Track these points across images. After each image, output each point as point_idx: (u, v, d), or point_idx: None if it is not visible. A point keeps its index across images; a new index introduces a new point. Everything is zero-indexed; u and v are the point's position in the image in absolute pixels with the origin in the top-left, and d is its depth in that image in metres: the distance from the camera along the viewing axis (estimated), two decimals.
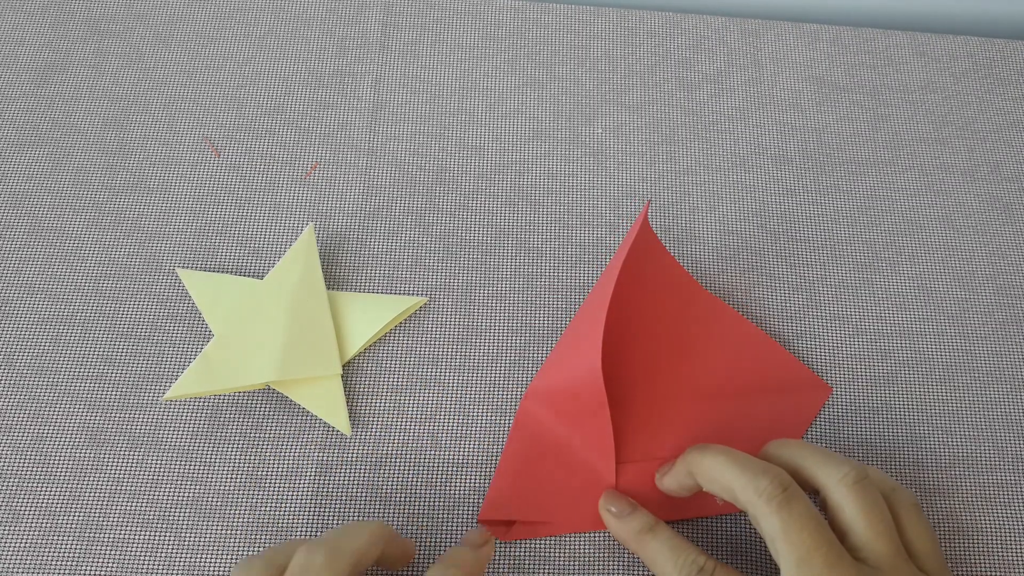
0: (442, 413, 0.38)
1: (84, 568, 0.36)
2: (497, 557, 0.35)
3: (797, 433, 0.37)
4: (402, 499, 0.37)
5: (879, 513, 0.30)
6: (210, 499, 0.37)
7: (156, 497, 0.37)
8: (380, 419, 0.38)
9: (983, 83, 0.45)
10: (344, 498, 0.37)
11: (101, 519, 0.37)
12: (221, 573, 0.36)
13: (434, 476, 0.37)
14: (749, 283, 0.41)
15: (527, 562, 0.35)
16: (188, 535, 0.36)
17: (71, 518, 0.37)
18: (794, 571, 0.28)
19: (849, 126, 0.44)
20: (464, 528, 0.36)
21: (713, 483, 0.32)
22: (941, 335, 0.40)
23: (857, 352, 0.39)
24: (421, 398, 0.39)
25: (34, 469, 0.38)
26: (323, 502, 0.37)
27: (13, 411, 0.39)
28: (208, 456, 0.38)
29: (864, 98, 0.45)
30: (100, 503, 0.37)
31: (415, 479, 0.37)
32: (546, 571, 0.35)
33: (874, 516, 0.30)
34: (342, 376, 0.39)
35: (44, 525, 0.37)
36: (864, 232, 0.42)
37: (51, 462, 0.38)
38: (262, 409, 0.39)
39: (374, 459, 0.38)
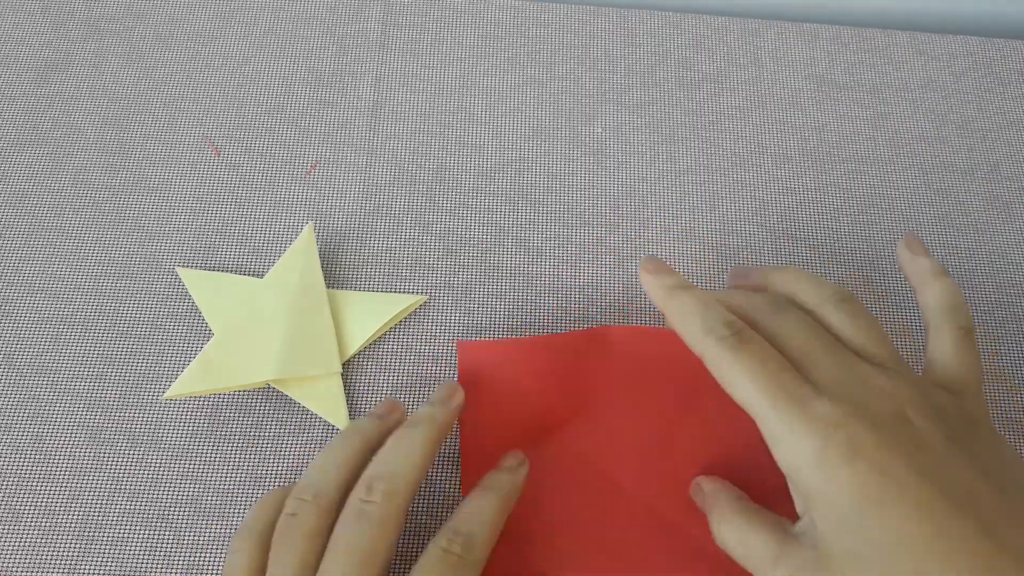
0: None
1: (84, 567, 0.36)
2: None
3: None
4: None
5: (866, 323, 0.30)
6: (210, 498, 0.37)
7: (156, 496, 0.37)
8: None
9: (983, 82, 0.45)
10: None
11: (101, 518, 0.37)
12: (219, 572, 0.36)
13: (434, 474, 0.37)
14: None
15: None
16: (188, 534, 0.36)
17: (71, 517, 0.37)
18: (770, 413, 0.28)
19: (849, 125, 0.44)
20: None
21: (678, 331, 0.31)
22: None
23: None
24: (421, 396, 0.39)
25: (34, 468, 0.38)
26: None
27: (13, 409, 0.39)
28: (208, 455, 0.38)
29: (864, 97, 0.45)
30: (100, 502, 0.37)
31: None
32: None
33: (859, 324, 0.30)
34: (342, 374, 0.39)
35: (44, 524, 0.37)
36: (864, 231, 0.42)
37: (51, 460, 0.38)
38: (262, 408, 0.39)
39: None
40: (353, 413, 0.38)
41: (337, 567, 0.29)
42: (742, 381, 0.28)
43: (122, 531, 0.37)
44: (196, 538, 0.36)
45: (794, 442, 0.27)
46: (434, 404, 0.34)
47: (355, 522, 0.29)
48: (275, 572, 0.29)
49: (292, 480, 0.37)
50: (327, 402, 0.38)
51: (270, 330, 0.39)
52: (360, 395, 0.39)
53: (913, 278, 0.33)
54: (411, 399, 0.39)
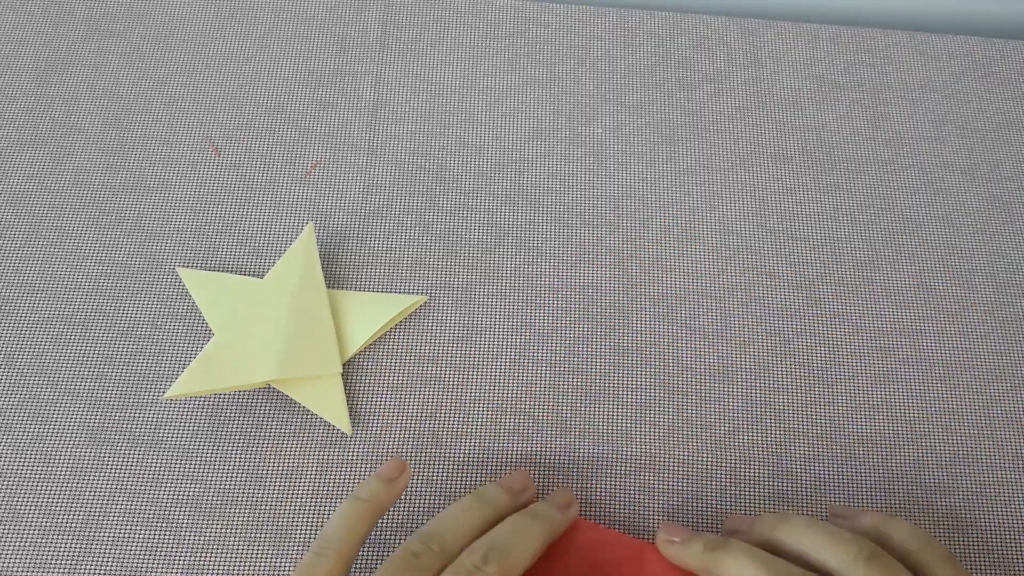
0: (443, 412, 0.38)
1: (84, 567, 0.36)
2: None
3: None
4: (403, 498, 0.37)
5: (900, 573, 0.29)
6: (210, 498, 0.37)
7: (156, 496, 0.37)
8: (381, 418, 0.38)
9: (982, 82, 0.45)
10: (344, 497, 0.37)
11: (101, 518, 0.37)
12: (221, 572, 0.36)
13: (435, 474, 0.37)
14: (749, 283, 0.41)
15: None
16: (188, 534, 0.36)
17: (71, 517, 0.37)
18: None
19: (849, 125, 0.44)
20: None
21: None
22: (941, 333, 0.40)
23: (857, 351, 0.39)
24: (422, 396, 0.39)
25: (34, 467, 0.38)
26: (323, 501, 0.37)
27: (13, 409, 0.39)
28: (208, 455, 0.38)
29: (864, 97, 0.45)
30: (100, 502, 0.37)
31: (416, 477, 0.37)
32: None
33: None
34: (342, 375, 0.39)
35: (44, 524, 0.37)
36: (864, 231, 0.42)
37: (51, 460, 0.38)
38: (262, 408, 0.39)
39: (375, 458, 0.38)
40: (353, 414, 0.38)
41: None
42: None
43: (122, 531, 0.37)
44: (196, 538, 0.36)
45: None
46: (552, 506, 0.34)
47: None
48: None
49: (293, 480, 0.37)
50: (327, 403, 0.38)
51: (270, 330, 0.39)
52: (360, 396, 0.39)
53: (869, 537, 0.32)
54: (412, 399, 0.39)
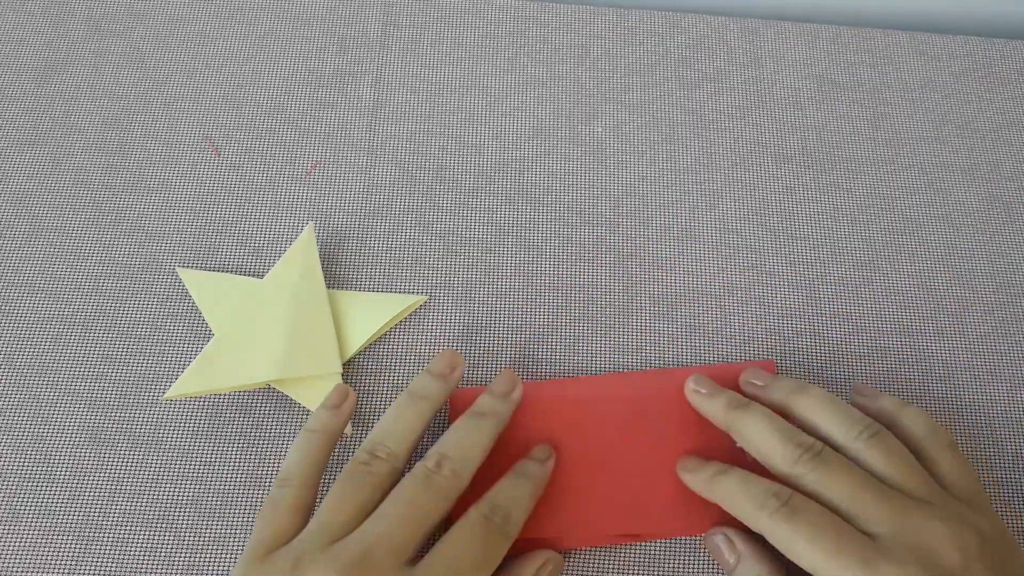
0: (443, 412, 0.38)
1: (84, 567, 0.36)
2: None
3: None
4: None
5: (899, 458, 0.32)
6: (210, 499, 0.37)
7: (156, 496, 0.37)
8: (380, 418, 0.38)
9: (982, 82, 0.45)
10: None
11: (101, 518, 0.37)
12: (221, 573, 0.36)
13: None
14: (749, 282, 0.41)
15: None
16: (188, 535, 0.36)
17: (71, 517, 0.37)
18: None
19: (849, 125, 0.44)
20: None
21: (753, 446, 0.33)
22: (941, 333, 0.40)
23: (857, 350, 0.39)
24: None
25: (34, 468, 0.38)
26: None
27: (13, 409, 0.39)
28: (208, 455, 0.38)
29: (864, 97, 0.45)
30: (100, 502, 0.37)
31: None
32: None
33: (893, 461, 0.32)
34: (342, 375, 0.39)
35: (44, 524, 0.37)
36: (864, 230, 0.42)
37: (51, 461, 0.38)
38: (262, 408, 0.39)
39: None
40: (356, 412, 0.38)
41: (395, 512, 0.31)
42: (805, 550, 0.30)
43: (122, 532, 0.37)
44: (196, 539, 0.36)
45: None
46: (496, 396, 0.35)
47: (421, 485, 0.32)
48: (332, 507, 0.31)
49: None
50: None
51: (270, 330, 0.39)
52: (361, 395, 0.39)
53: (883, 418, 0.35)
54: None
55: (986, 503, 0.32)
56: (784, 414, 0.34)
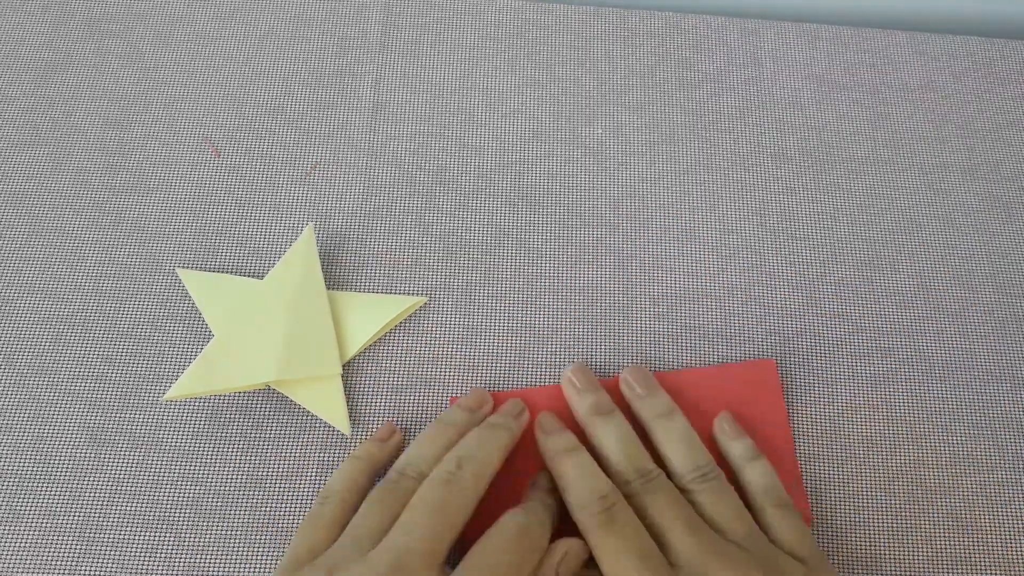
0: (439, 413, 0.38)
1: (84, 568, 0.36)
2: None
3: (780, 415, 0.38)
4: None
5: (726, 504, 0.34)
6: (210, 500, 0.37)
7: (156, 497, 0.37)
8: (380, 419, 0.38)
9: (983, 82, 0.45)
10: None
11: (101, 519, 0.37)
12: (221, 574, 0.36)
13: None
14: (749, 282, 0.41)
15: None
16: (188, 535, 0.36)
17: (71, 518, 0.37)
18: None
19: (849, 125, 0.44)
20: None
21: (599, 453, 0.35)
22: (941, 333, 0.40)
23: (857, 350, 0.39)
24: (421, 397, 0.39)
25: (34, 469, 0.38)
26: None
27: (13, 410, 0.39)
28: (208, 456, 0.38)
29: (864, 97, 0.45)
30: (100, 503, 0.37)
31: None
32: None
33: (721, 506, 0.33)
34: (342, 376, 0.39)
35: (44, 525, 0.37)
36: (864, 231, 0.42)
37: (51, 462, 0.38)
38: (262, 410, 0.39)
39: None
40: (353, 415, 0.38)
41: (423, 517, 0.31)
42: (608, 560, 0.31)
43: (123, 533, 0.37)
44: (197, 540, 0.36)
45: None
46: (507, 416, 0.36)
47: (443, 487, 0.32)
48: (359, 523, 0.32)
49: (293, 482, 0.37)
50: (327, 404, 0.38)
51: (270, 331, 0.39)
52: (360, 396, 0.39)
53: (731, 460, 0.36)
54: (412, 400, 0.39)
55: (820, 564, 0.33)
56: (645, 429, 0.36)
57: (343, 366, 0.39)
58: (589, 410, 0.36)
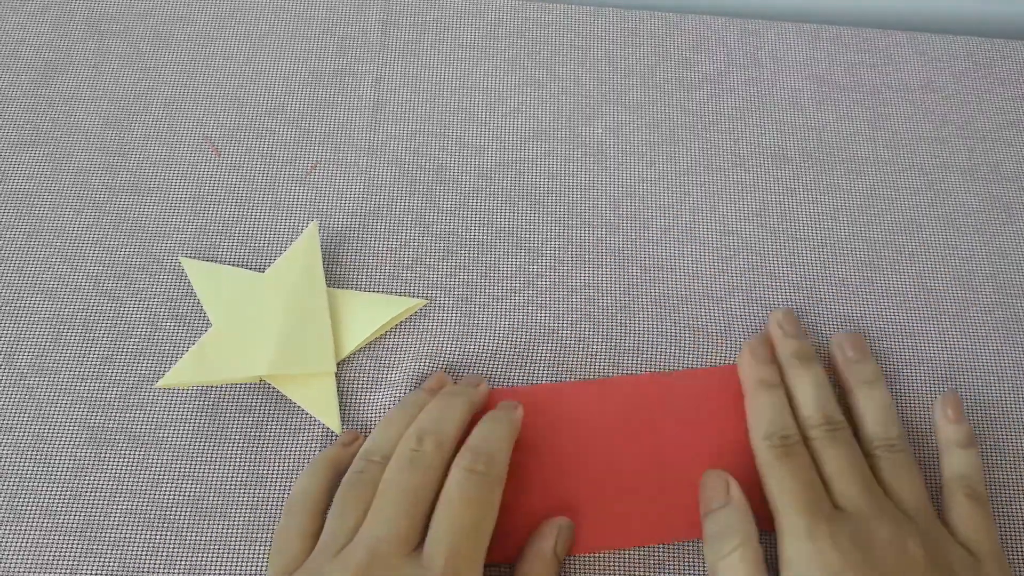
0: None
1: (85, 567, 0.36)
2: None
3: None
4: None
5: (908, 479, 0.34)
6: (211, 498, 0.37)
7: (158, 496, 0.37)
8: (376, 418, 0.38)
9: (983, 83, 0.45)
10: None
11: (102, 518, 0.37)
12: (223, 572, 0.36)
13: None
14: (749, 283, 0.41)
15: None
16: (190, 534, 0.36)
17: (72, 518, 0.37)
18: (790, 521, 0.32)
19: (849, 125, 0.44)
20: None
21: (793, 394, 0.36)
22: (941, 334, 0.40)
23: None
24: None
25: (35, 468, 0.38)
26: None
27: (13, 410, 0.39)
28: (208, 455, 0.38)
29: (864, 97, 0.45)
30: (101, 502, 0.37)
31: None
32: None
33: (901, 479, 0.34)
34: (337, 374, 0.39)
35: (45, 524, 0.37)
36: (864, 231, 0.42)
37: (51, 461, 0.38)
38: (262, 407, 0.39)
39: None
40: (350, 413, 0.38)
41: (390, 505, 0.31)
42: (774, 483, 0.33)
43: (123, 532, 0.37)
44: (197, 538, 0.36)
45: (797, 543, 0.31)
46: (464, 386, 0.37)
47: (407, 467, 0.32)
48: (332, 525, 0.32)
49: (292, 480, 0.37)
50: (319, 400, 0.38)
51: (267, 325, 0.39)
52: (357, 394, 0.39)
53: (941, 441, 0.37)
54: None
55: (995, 566, 0.32)
56: (845, 391, 0.37)
57: (338, 364, 0.39)
58: (793, 353, 0.37)
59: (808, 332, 0.40)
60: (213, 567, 0.36)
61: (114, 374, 0.39)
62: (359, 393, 0.39)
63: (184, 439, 0.38)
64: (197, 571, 0.36)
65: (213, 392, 0.39)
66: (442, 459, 0.32)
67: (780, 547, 0.32)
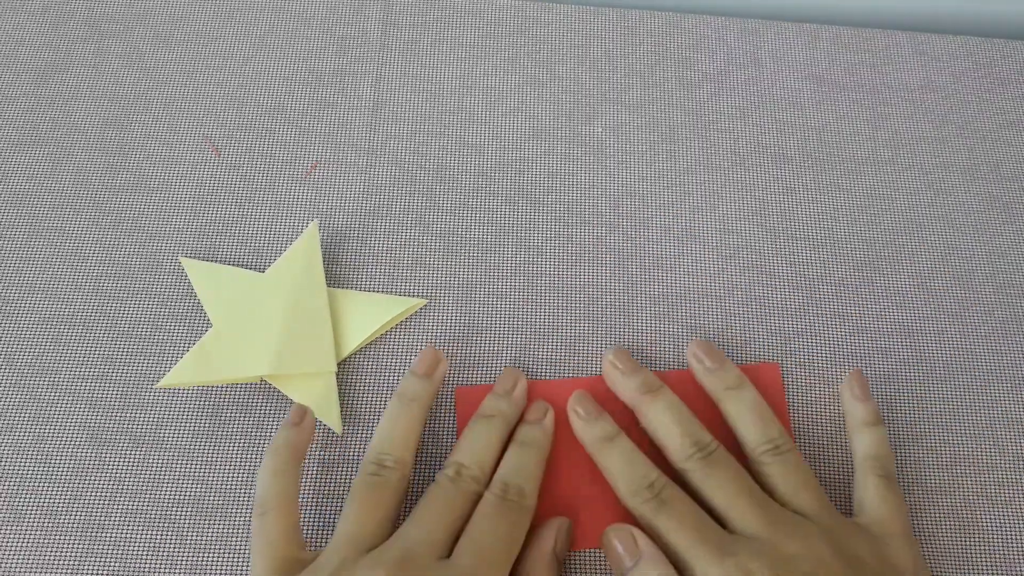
0: (443, 411, 0.38)
1: (86, 567, 0.36)
2: None
3: (783, 420, 0.37)
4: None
5: (796, 477, 0.33)
6: (212, 497, 0.37)
7: (158, 496, 0.37)
8: (376, 417, 0.38)
9: (983, 83, 0.45)
10: (343, 496, 0.37)
11: (103, 518, 0.37)
12: (224, 571, 0.36)
13: (434, 474, 0.37)
14: (749, 282, 0.41)
15: None
16: (191, 534, 0.36)
17: (73, 518, 0.37)
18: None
19: (849, 125, 0.44)
20: None
21: (653, 433, 0.35)
22: (941, 333, 0.40)
23: (857, 351, 0.39)
24: None
25: (35, 469, 0.38)
26: (322, 500, 0.37)
27: (14, 410, 0.39)
28: (208, 455, 0.38)
29: (864, 97, 0.45)
30: (102, 502, 0.37)
31: (415, 477, 0.37)
32: None
33: (791, 479, 0.33)
34: (337, 373, 0.39)
35: (46, 525, 0.37)
36: (864, 231, 0.42)
37: (52, 461, 0.38)
38: (262, 408, 0.39)
39: None
40: (352, 412, 0.38)
41: (430, 515, 0.32)
42: (665, 536, 0.32)
43: (125, 531, 0.37)
44: (198, 538, 0.36)
45: None
46: (499, 396, 0.36)
47: (447, 491, 0.33)
48: (358, 519, 0.32)
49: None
50: (320, 400, 0.38)
51: (268, 325, 0.39)
52: (357, 394, 0.39)
53: (848, 421, 0.36)
54: None
55: (904, 545, 0.32)
56: (715, 402, 0.36)
57: (339, 364, 0.39)
58: (638, 389, 0.35)
59: (808, 332, 0.40)
60: (213, 567, 0.36)
61: (114, 374, 0.39)
62: (359, 393, 0.39)
63: (184, 439, 0.38)
64: (197, 571, 0.36)
65: (213, 392, 0.39)
66: (479, 483, 0.34)
67: None
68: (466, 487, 0.33)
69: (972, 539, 0.36)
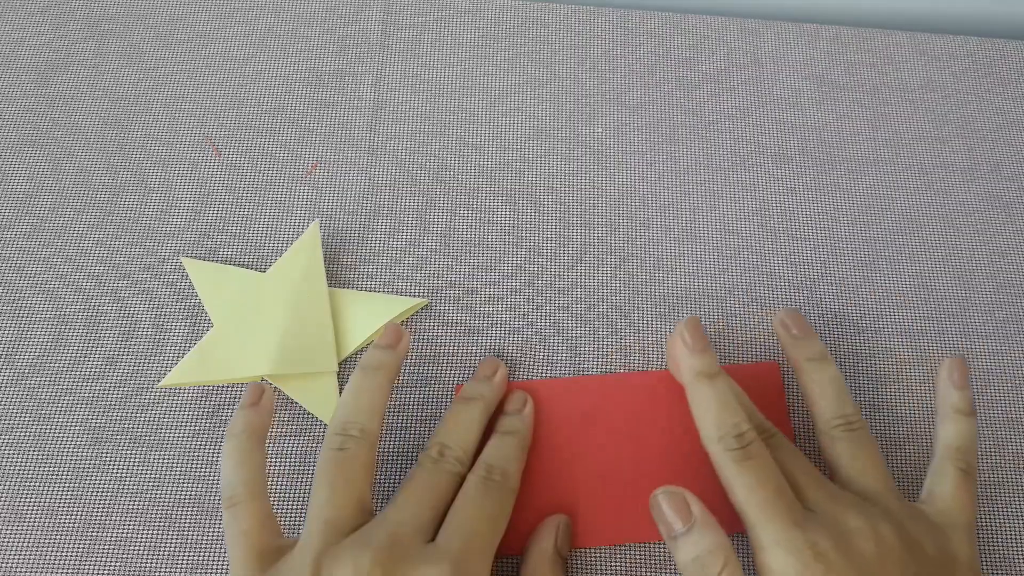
0: (441, 412, 0.38)
1: (87, 567, 0.36)
2: None
3: (782, 417, 0.37)
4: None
5: (865, 457, 0.33)
6: (214, 497, 0.37)
7: (159, 495, 0.37)
8: None
9: (983, 82, 0.45)
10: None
11: (103, 518, 0.37)
12: (222, 572, 0.36)
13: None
14: (749, 282, 0.41)
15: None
16: (192, 533, 0.36)
17: (74, 517, 0.37)
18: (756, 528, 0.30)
19: (849, 125, 0.44)
20: None
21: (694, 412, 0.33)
22: (941, 333, 0.40)
23: (857, 351, 0.39)
24: (420, 397, 0.39)
25: (36, 468, 0.38)
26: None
27: (15, 410, 0.39)
28: (210, 455, 0.38)
29: (864, 97, 0.45)
30: (103, 502, 0.37)
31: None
32: None
33: (858, 459, 0.33)
34: (338, 373, 0.39)
35: (47, 524, 0.37)
36: (864, 231, 0.42)
37: (53, 461, 0.38)
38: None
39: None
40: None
41: (414, 498, 0.32)
42: (741, 491, 0.31)
43: (126, 531, 0.37)
44: (199, 537, 0.36)
45: (779, 555, 0.29)
46: (480, 380, 0.37)
47: (430, 472, 0.33)
48: (330, 503, 0.31)
49: (293, 480, 0.37)
50: (321, 400, 0.38)
51: (269, 325, 0.39)
52: None
53: (940, 406, 0.35)
54: (412, 399, 0.39)
55: (964, 538, 0.32)
56: (793, 370, 0.36)
57: (340, 364, 0.39)
58: (694, 372, 0.33)
59: None
60: (214, 567, 0.36)
61: (115, 374, 0.39)
62: None
63: (185, 439, 0.38)
64: (198, 571, 0.36)
65: (214, 392, 0.39)
66: (461, 470, 0.34)
67: (759, 559, 0.30)
68: (449, 468, 0.33)
69: None
